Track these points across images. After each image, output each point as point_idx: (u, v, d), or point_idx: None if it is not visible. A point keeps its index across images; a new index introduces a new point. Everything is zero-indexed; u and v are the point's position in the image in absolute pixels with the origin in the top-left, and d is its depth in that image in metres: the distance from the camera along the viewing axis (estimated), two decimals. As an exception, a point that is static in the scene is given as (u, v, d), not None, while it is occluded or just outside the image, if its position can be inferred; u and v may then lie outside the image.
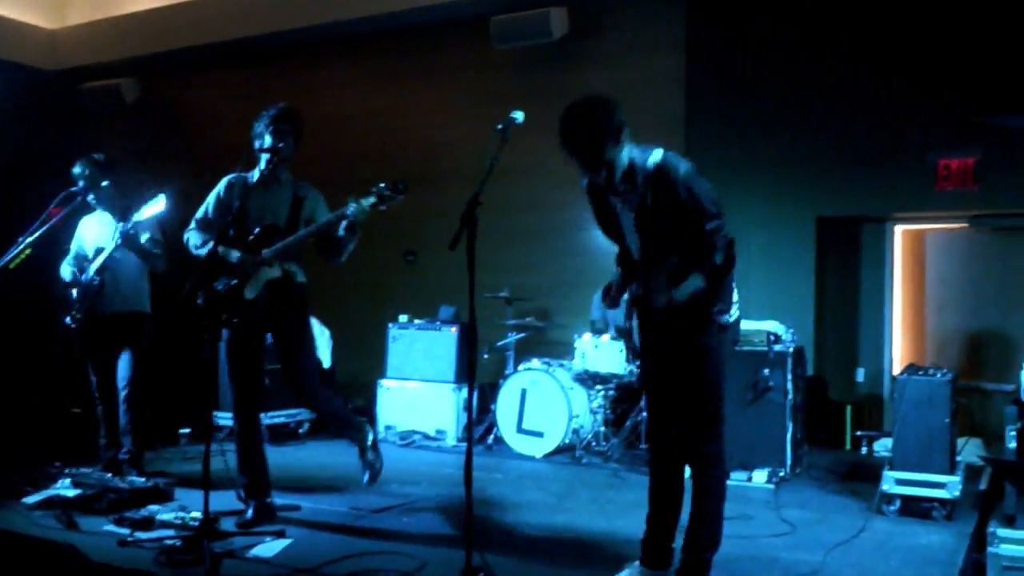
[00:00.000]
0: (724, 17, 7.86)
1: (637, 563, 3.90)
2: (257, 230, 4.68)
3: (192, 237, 4.80)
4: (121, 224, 5.34)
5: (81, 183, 5.53)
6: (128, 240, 5.32)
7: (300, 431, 7.68)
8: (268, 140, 4.65)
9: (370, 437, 4.90)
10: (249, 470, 4.80)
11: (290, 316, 4.74)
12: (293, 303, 4.75)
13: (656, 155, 3.73)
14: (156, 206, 5.19)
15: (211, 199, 4.82)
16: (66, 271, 5.67)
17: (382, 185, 4.62)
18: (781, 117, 7.60)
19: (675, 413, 3.79)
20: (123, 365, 5.60)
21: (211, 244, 4.57)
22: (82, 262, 5.64)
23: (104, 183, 5.58)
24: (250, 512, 4.68)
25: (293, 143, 4.75)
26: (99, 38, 10.73)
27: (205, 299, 4.60)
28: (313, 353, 5.01)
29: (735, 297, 3.84)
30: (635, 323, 4.55)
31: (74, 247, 5.76)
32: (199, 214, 4.83)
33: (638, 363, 6.31)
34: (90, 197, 5.57)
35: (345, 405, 5.21)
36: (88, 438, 5.86)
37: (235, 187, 4.78)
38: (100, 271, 5.46)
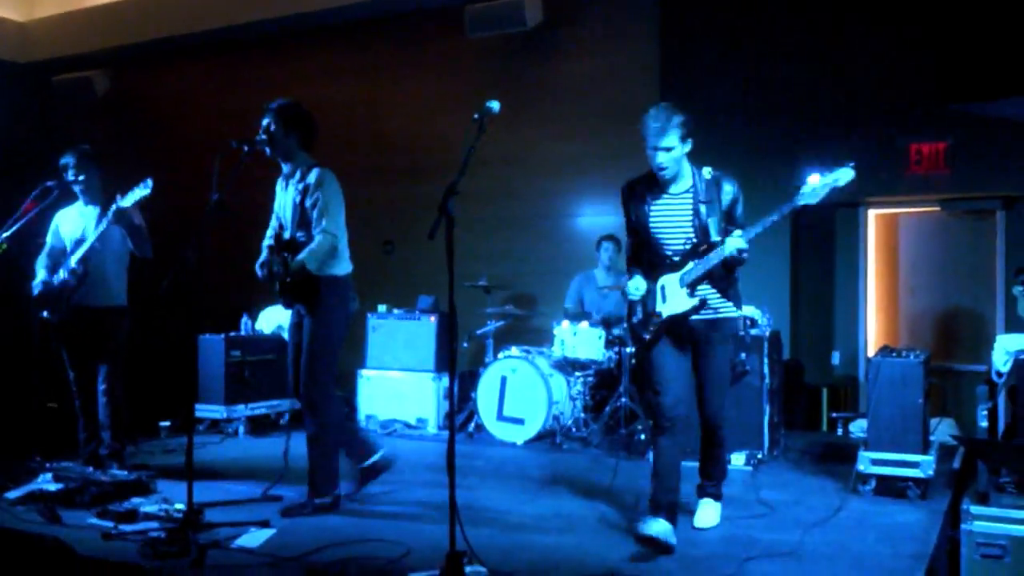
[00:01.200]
0: (697, 4, 7.91)
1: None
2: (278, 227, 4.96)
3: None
4: (116, 202, 5.25)
5: (70, 173, 5.49)
6: (121, 217, 5.24)
7: (281, 422, 7.69)
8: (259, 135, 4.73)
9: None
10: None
11: (309, 308, 4.81)
12: (310, 294, 4.78)
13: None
14: (144, 191, 5.14)
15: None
16: (40, 270, 5.60)
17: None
18: (754, 103, 7.66)
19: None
20: (101, 359, 5.56)
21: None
22: (58, 256, 5.58)
23: (92, 174, 5.54)
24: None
25: (280, 133, 4.74)
26: (69, 30, 10.63)
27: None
28: (317, 358, 4.82)
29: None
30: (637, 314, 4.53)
31: (50, 241, 5.67)
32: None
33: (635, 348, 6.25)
34: (76, 188, 5.53)
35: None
36: (67, 433, 5.84)
37: (277, 184, 4.99)
38: (82, 262, 5.42)
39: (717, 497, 4.66)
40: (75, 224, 5.61)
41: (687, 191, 4.42)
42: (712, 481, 4.67)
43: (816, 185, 4.39)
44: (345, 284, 4.85)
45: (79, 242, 5.46)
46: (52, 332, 5.54)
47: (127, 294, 5.71)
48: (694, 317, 4.33)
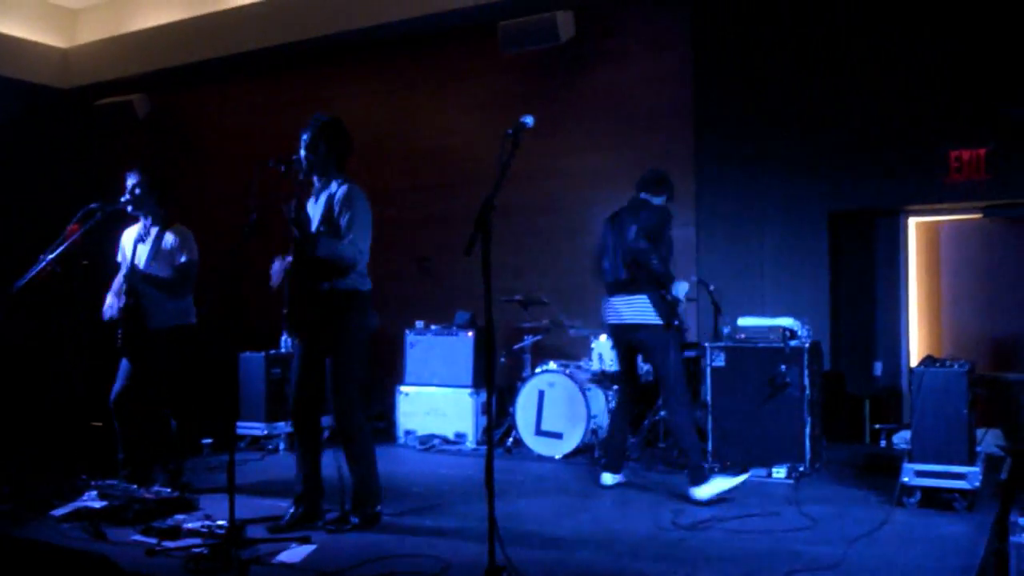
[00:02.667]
0: (730, 13, 7.89)
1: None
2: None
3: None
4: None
5: (138, 191, 5.61)
6: (134, 278, 5.48)
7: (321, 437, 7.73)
8: (300, 152, 4.76)
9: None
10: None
11: (327, 325, 4.78)
12: (330, 310, 4.77)
13: None
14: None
15: None
16: (110, 294, 5.70)
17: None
18: (791, 112, 7.61)
19: None
20: (159, 379, 5.65)
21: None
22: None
23: (145, 196, 5.65)
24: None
25: (323, 150, 4.78)
26: (110, 55, 10.86)
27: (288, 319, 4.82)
28: (344, 377, 4.81)
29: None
30: None
31: (119, 260, 5.82)
32: None
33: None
34: (129, 209, 5.65)
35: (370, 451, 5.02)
36: (110, 452, 5.92)
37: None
38: (132, 289, 5.52)
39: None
40: (131, 246, 5.75)
41: None
42: None
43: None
44: (367, 300, 4.89)
45: (127, 266, 5.58)
46: (119, 351, 5.63)
47: (191, 314, 5.79)
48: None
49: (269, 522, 4.78)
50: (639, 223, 5.56)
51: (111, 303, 5.63)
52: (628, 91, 8.34)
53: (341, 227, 4.72)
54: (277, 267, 4.85)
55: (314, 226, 4.77)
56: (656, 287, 5.54)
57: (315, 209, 4.88)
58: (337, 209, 4.75)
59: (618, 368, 6.15)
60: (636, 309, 5.59)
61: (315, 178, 4.88)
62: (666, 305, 5.54)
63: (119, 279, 5.74)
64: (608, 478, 5.84)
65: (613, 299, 5.75)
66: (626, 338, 5.74)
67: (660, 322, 5.50)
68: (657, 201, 5.74)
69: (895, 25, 7.22)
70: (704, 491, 5.30)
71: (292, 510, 4.83)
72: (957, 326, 7.69)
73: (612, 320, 5.77)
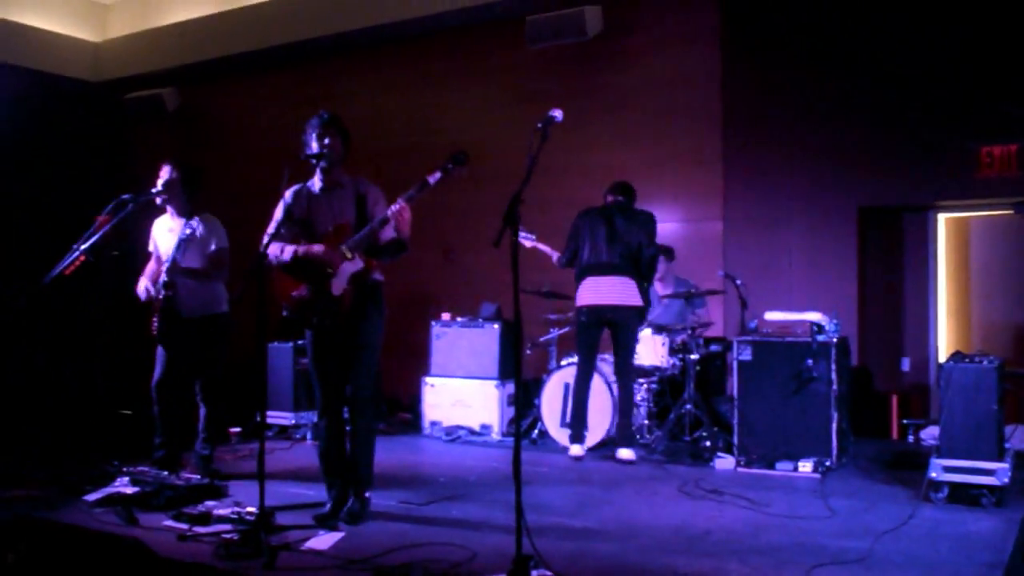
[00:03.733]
0: (758, 10, 7.86)
1: None
2: (329, 228, 4.74)
3: (272, 248, 4.74)
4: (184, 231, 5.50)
5: (170, 183, 5.68)
6: (175, 272, 5.56)
7: (347, 428, 7.79)
8: (314, 146, 4.74)
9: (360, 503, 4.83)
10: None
11: (363, 312, 4.77)
12: (366, 298, 4.78)
13: None
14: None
15: (280, 211, 4.75)
16: (143, 279, 5.77)
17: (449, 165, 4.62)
18: (819, 108, 7.58)
19: None
20: (196, 368, 5.78)
21: (290, 249, 4.71)
22: (160, 264, 5.80)
23: (177, 188, 5.72)
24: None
25: (340, 144, 4.81)
26: (140, 49, 10.97)
27: (290, 306, 4.76)
28: (372, 360, 4.86)
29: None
30: None
31: (151, 249, 5.91)
32: (271, 227, 4.76)
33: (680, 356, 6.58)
34: (159, 200, 5.72)
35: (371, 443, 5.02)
36: (142, 438, 6.01)
37: (301, 196, 4.83)
38: (170, 276, 5.59)
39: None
40: (165, 237, 5.83)
41: None
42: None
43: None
44: (382, 290, 4.94)
45: (167, 256, 5.66)
46: (156, 340, 5.72)
47: (225, 302, 5.88)
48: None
49: (308, 509, 4.83)
50: (644, 228, 6.54)
51: (146, 286, 5.71)
52: (656, 87, 8.32)
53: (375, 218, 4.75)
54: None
55: (348, 216, 4.77)
56: (640, 278, 6.49)
57: (334, 200, 4.81)
58: (374, 208, 4.75)
59: (586, 345, 6.61)
60: (628, 291, 6.44)
61: (324, 173, 4.80)
62: (645, 292, 6.53)
63: (152, 265, 5.84)
64: (577, 449, 6.52)
65: (601, 280, 6.50)
66: (607, 316, 6.49)
67: (642, 305, 6.49)
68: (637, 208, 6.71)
69: (927, 19, 7.17)
70: (628, 453, 6.30)
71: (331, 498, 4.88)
72: (986, 322, 7.64)
73: (598, 300, 6.49)
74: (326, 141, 4.75)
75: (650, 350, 6.86)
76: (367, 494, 4.83)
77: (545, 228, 8.17)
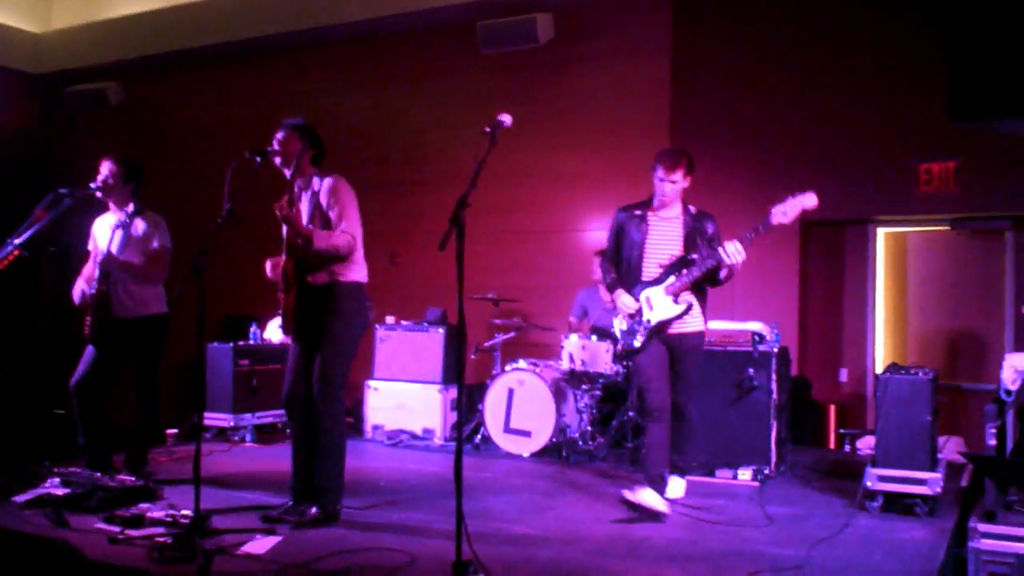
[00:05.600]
0: (709, 21, 7.96)
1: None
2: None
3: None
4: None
5: (111, 179, 5.53)
6: (108, 263, 5.39)
7: (288, 431, 7.69)
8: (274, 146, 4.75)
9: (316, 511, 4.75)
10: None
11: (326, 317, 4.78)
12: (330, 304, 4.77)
13: None
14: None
15: None
16: (80, 280, 5.63)
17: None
18: (766, 120, 7.70)
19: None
20: (130, 368, 5.61)
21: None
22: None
23: (117, 183, 5.57)
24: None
25: (297, 147, 4.74)
26: (83, 42, 10.76)
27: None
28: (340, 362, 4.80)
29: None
30: (623, 326, 5.19)
31: (91, 247, 5.74)
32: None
33: (624, 363, 6.52)
34: (100, 195, 5.57)
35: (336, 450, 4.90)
36: (72, 439, 5.85)
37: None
38: (103, 275, 5.46)
39: (683, 472, 5.37)
40: (103, 234, 5.66)
41: (677, 216, 5.14)
42: (681, 455, 5.30)
43: (786, 207, 4.89)
44: (362, 291, 4.87)
45: (103, 254, 5.51)
46: (89, 339, 5.55)
47: (163, 303, 5.72)
48: (670, 330, 5.05)
49: (244, 512, 4.75)
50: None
51: (82, 288, 5.57)
52: (606, 94, 8.38)
53: (332, 219, 4.71)
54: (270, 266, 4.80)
55: (304, 222, 4.74)
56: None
57: (303, 208, 4.81)
58: (325, 202, 4.72)
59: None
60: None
61: (297, 181, 4.79)
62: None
63: (90, 266, 5.68)
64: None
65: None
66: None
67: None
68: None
69: (870, 35, 7.32)
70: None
71: (290, 502, 4.81)
72: (922, 334, 7.81)
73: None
74: (279, 140, 4.75)
75: (595, 357, 6.88)
76: (336, 505, 4.80)
77: (493, 233, 8.18)
